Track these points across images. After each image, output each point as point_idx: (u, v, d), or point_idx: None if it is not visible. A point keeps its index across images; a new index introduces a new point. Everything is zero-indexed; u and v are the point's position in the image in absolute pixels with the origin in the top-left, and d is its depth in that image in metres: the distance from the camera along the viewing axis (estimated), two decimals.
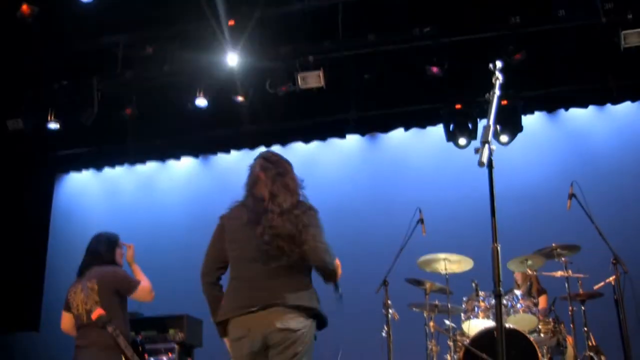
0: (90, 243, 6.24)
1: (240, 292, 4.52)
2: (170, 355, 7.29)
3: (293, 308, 4.35)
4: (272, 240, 4.42)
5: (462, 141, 9.13)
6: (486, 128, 3.57)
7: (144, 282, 6.16)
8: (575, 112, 9.86)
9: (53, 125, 9.78)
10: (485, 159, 3.36)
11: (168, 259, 10.46)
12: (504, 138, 9.10)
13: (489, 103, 3.76)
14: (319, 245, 4.55)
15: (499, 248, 3.37)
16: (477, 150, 3.43)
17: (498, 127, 9.05)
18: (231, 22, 8.64)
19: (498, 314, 3.42)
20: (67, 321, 6.09)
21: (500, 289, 3.48)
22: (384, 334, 7.32)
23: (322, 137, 10.58)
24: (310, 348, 4.41)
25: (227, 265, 4.72)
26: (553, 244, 7.10)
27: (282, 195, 4.64)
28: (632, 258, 7.25)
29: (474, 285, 7.12)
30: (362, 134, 10.45)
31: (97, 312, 5.82)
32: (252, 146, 10.67)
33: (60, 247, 10.99)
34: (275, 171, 4.84)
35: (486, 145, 3.41)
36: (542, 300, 7.78)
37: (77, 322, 5.97)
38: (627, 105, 9.65)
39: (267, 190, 4.68)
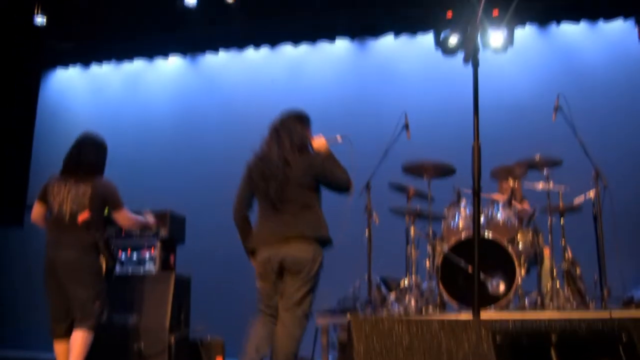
0: (84, 146, 6.25)
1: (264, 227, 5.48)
2: (152, 250, 7.34)
3: (302, 238, 5.26)
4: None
5: (452, 40, 9.00)
6: (472, 28, 3.57)
7: (129, 213, 6.36)
8: (566, 27, 9.81)
9: (39, 19, 9.68)
10: (470, 56, 3.37)
11: (154, 156, 10.52)
12: (495, 45, 9.01)
13: (476, 8, 3.74)
14: None
15: (479, 146, 3.39)
16: (462, 46, 3.45)
17: (488, 35, 8.96)
18: None
19: (476, 209, 3.45)
20: (39, 211, 6.22)
21: (480, 185, 3.51)
22: (364, 237, 7.40)
23: (312, 39, 10.49)
24: (318, 268, 5.32)
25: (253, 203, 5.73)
26: (537, 155, 7.13)
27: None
28: (614, 174, 7.30)
29: (456, 191, 7.18)
30: (352, 37, 10.36)
31: (84, 216, 5.90)
32: (241, 47, 10.60)
33: (45, 143, 10.98)
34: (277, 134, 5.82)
35: (471, 43, 3.41)
36: (525, 204, 7.85)
37: (54, 219, 6.07)
38: (619, 22, 9.61)
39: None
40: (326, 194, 8.95)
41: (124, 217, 6.37)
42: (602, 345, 4.10)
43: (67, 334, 6.01)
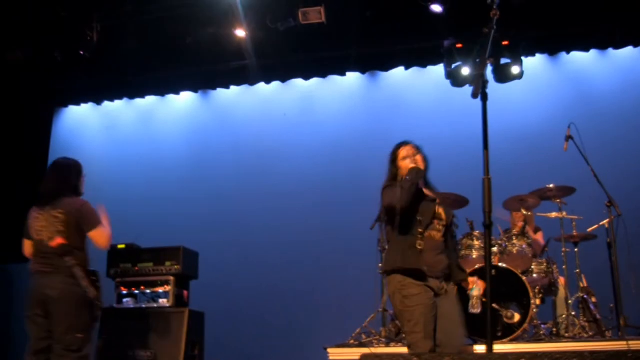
0: (56, 169, 6.19)
1: None
2: (166, 287, 7.35)
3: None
4: None
5: (462, 72, 9.03)
6: (481, 61, 3.57)
7: (107, 229, 6.12)
8: (576, 56, 9.83)
9: (54, 57, 9.77)
10: (479, 90, 3.37)
11: (166, 192, 10.53)
12: (507, 75, 9.03)
13: (486, 39, 3.76)
14: None
15: (490, 180, 3.39)
16: (471, 81, 3.46)
17: (497, 63, 8.99)
18: None
19: (487, 243, 3.45)
20: (28, 247, 6.07)
21: (491, 220, 3.51)
22: (379, 271, 7.39)
23: (322, 74, 10.51)
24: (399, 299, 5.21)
25: None
26: (549, 185, 7.12)
27: None
28: (626, 202, 7.29)
29: (468, 223, 7.17)
30: (363, 71, 10.39)
31: (58, 241, 5.83)
32: (252, 82, 10.65)
33: None
34: None
35: (480, 78, 3.41)
36: (539, 236, 7.83)
37: (37, 248, 5.95)
38: (629, 50, 9.62)
39: None
40: (337, 226, 8.94)
41: (101, 237, 6.05)
42: None
43: None
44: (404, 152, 5.45)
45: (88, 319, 5.93)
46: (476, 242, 7.06)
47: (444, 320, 5.16)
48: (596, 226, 7.23)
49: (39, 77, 10.47)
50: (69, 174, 6.16)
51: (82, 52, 9.57)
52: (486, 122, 3.49)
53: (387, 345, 6.98)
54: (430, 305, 5.11)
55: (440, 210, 5.36)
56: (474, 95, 3.42)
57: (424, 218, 5.27)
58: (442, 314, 5.16)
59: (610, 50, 9.72)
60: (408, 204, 5.17)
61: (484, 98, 3.45)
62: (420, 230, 5.23)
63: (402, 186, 5.17)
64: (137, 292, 7.46)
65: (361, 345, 6.98)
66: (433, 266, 5.20)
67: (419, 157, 5.37)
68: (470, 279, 5.40)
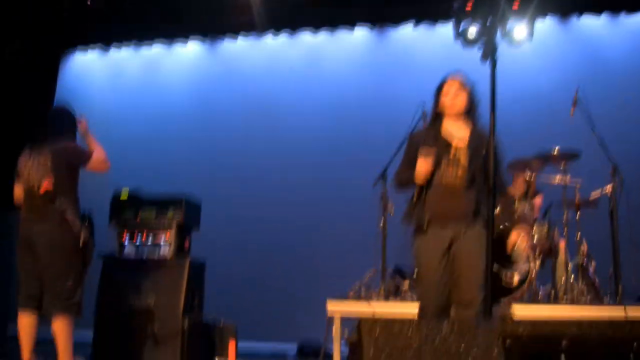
0: (50, 117, 6.16)
1: None
2: (167, 236, 7.37)
3: None
4: None
5: (471, 32, 8.96)
6: (491, 24, 3.56)
7: (98, 152, 6.08)
8: (587, 20, 9.74)
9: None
10: (488, 54, 3.36)
11: (171, 142, 10.54)
12: (515, 38, 8.96)
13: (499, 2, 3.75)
14: None
15: (495, 143, 3.39)
16: (481, 45, 3.44)
17: (508, 28, 8.90)
18: None
19: (490, 207, 3.46)
20: (19, 192, 6.08)
21: (495, 182, 3.52)
22: (379, 228, 7.42)
23: (331, 28, 10.45)
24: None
25: None
26: (555, 148, 7.11)
27: None
28: (631, 169, 7.29)
29: None
30: (371, 25, 10.31)
31: (45, 186, 5.81)
32: (260, 32, 10.58)
33: None
34: None
35: (490, 42, 3.40)
36: (538, 200, 7.83)
37: (27, 193, 5.96)
38: None
39: None
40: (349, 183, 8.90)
41: (98, 164, 6.07)
42: (613, 352, 4.11)
43: (35, 308, 5.88)
44: (446, 87, 5.29)
45: (79, 265, 5.96)
46: None
47: (458, 265, 5.01)
48: (599, 191, 7.22)
49: (45, 22, 10.41)
50: (64, 119, 6.14)
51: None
52: (494, 87, 3.48)
53: (386, 300, 7.02)
54: (435, 253, 4.99)
55: (460, 154, 5.10)
56: (484, 58, 3.42)
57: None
58: (458, 258, 5.00)
59: (622, 15, 9.63)
60: (405, 188, 5.23)
61: (493, 63, 3.44)
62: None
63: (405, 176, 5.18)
64: (138, 241, 7.48)
65: (360, 299, 7.02)
66: (445, 214, 5.02)
67: (459, 97, 5.19)
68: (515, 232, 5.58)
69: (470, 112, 5.22)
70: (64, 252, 5.84)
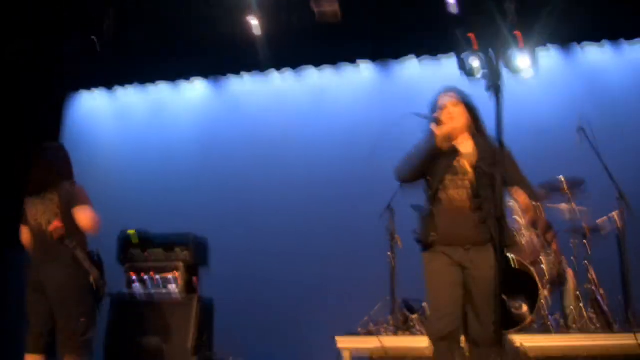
0: (42, 157, 6.13)
1: None
2: (175, 273, 7.38)
3: None
4: None
5: (475, 65, 9.03)
6: (495, 55, 3.60)
7: (92, 211, 6.06)
8: (589, 49, 9.79)
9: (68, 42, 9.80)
10: (492, 85, 3.38)
11: (177, 180, 10.54)
12: (518, 71, 9.03)
13: (501, 33, 3.78)
14: None
15: (502, 175, 3.40)
16: (485, 75, 3.45)
17: (511, 60, 8.98)
18: None
19: (496, 237, 3.47)
20: (26, 234, 6.03)
21: (502, 213, 3.52)
22: (387, 260, 7.42)
23: (334, 63, 10.50)
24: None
25: None
26: (560, 177, 7.13)
27: None
28: (636, 196, 7.29)
29: None
30: (375, 61, 10.36)
31: (55, 225, 5.79)
32: (263, 69, 10.63)
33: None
34: None
35: (494, 71, 3.42)
36: (550, 237, 7.76)
37: (35, 234, 5.92)
38: None
39: None
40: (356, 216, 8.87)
41: (84, 215, 5.90)
42: None
43: (44, 353, 5.81)
44: (440, 101, 5.06)
45: (91, 303, 5.90)
46: None
47: (472, 299, 4.71)
48: (605, 218, 7.23)
49: (52, 63, 10.48)
50: (64, 158, 6.15)
51: (95, 38, 9.60)
52: (501, 117, 3.49)
53: (395, 334, 7.01)
54: (447, 274, 4.73)
55: (463, 163, 4.86)
56: (488, 88, 3.44)
57: (433, 178, 4.89)
58: (471, 291, 4.71)
59: (623, 43, 9.67)
60: (407, 177, 4.99)
61: (498, 92, 3.46)
62: (430, 192, 4.90)
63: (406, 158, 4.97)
64: (146, 277, 7.49)
65: (369, 333, 7.01)
66: (450, 233, 4.76)
67: (452, 112, 4.94)
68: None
69: (472, 126, 5.01)
70: (75, 291, 5.80)
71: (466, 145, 4.93)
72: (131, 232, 7.65)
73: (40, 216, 5.92)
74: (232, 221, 9.96)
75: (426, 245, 4.87)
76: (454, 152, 4.88)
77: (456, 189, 4.80)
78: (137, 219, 7.66)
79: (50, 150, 6.24)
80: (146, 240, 7.64)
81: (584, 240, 7.18)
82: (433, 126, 4.90)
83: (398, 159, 5.26)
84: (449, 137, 4.90)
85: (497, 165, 4.29)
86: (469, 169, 4.81)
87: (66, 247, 5.79)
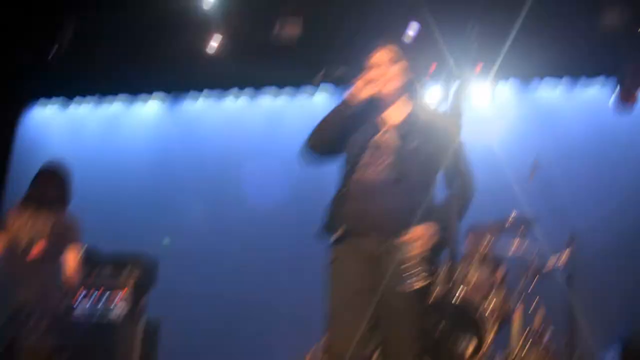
0: (49, 176, 6.05)
1: None
2: (124, 292, 7.30)
3: None
4: None
5: (434, 102, 9.09)
6: (456, 90, 3.60)
7: (77, 260, 5.96)
8: (548, 85, 9.88)
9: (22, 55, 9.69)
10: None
11: (129, 199, 10.43)
12: (475, 102, 9.11)
13: (461, 66, 3.81)
14: None
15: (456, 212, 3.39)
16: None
17: (469, 91, 9.04)
18: None
19: (450, 277, 3.46)
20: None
21: (455, 254, 3.51)
22: None
23: (293, 89, 10.48)
24: None
25: None
26: (511, 215, 7.16)
27: None
28: (587, 236, 7.35)
29: None
30: (332, 89, 10.35)
31: (40, 247, 5.68)
32: (220, 90, 10.60)
33: (21, 181, 10.88)
34: None
35: (455, 107, 3.43)
36: (500, 271, 7.77)
37: (10, 249, 5.81)
38: (599, 82, 9.70)
39: None
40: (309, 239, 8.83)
41: (76, 257, 5.94)
42: None
43: None
44: (374, 59, 4.12)
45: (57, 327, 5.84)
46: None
47: (381, 300, 3.73)
48: (556, 258, 7.27)
49: (4, 75, 10.34)
50: (70, 186, 6.05)
51: (51, 53, 9.50)
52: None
53: None
54: (351, 275, 3.81)
55: (388, 136, 3.98)
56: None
57: (349, 153, 4.02)
58: (383, 290, 3.71)
59: (582, 82, 9.79)
60: (317, 147, 4.18)
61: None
62: (345, 171, 4.04)
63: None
64: (93, 298, 7.38)
65: None
66: (363, 217, 3.84)
67: (387, 70, 4.04)
68: (411, 235, 3.72)
69: (409, 88, 4.13)
70: (46, 313, 5.69)
71: (398, 114, 4.07)
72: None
73: (23, 231, 5.78)
74: (183, 240, 9.88)
75: (333, 237, 3.98)
76: (380, 122, 4.06)
77: (376, 168, 3.89)
78: (88, 235, 7.54)
79: (64, 172, 6.13)
80: (95, 258, 7.54)
81: (534, 278, 7.20)
82: (357, 86, 3.99)
83: None
84: (379, 102, 4.07)
85: (432, 141, 3.85)
86: (394, 144, 3.94)
87: (47, 270, 5.67)
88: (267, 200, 9.91)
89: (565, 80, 9.77)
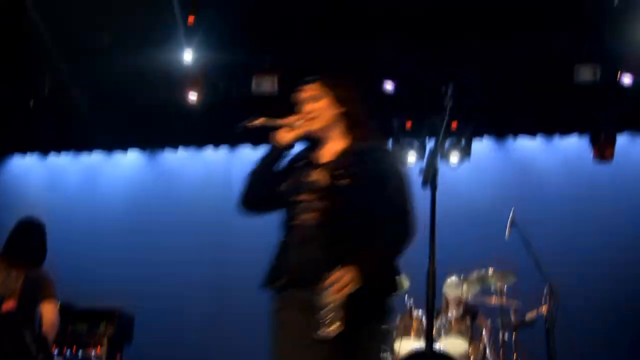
0: (23, 230, 5.99)
1: None
2: (99, 349, 7.20)
3: None
4: None
5: (410, 158, 9.19)
6: (432, 149, 3.58)
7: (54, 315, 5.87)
8: (523, 141, 9.99)
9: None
10: (428, 180, 3.36)
11: (107, 251, 10.35)
12: (452, 159, 9.19)
13: (437, 124, 3.81)
14: None
15: (434, 270, 3.35)
16: (421, 171, 3.42)
17: (446, 148, 9.13)
18: (191, 19, 8.58)
19: (429, 337, 3.44)
20: None
21: (433, 311, 3.48)
22: None
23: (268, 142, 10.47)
24: None
25: None
26: (490, 269, 7.16)
27: None
28: (567, 288, 7.35)
29: (408, 304, 7.14)
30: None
31: (10, 305, 5.58)
32: (200, 145, 10.61)
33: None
34: None
35: (431, 166, 3.41)
36: (481, 320, 7.67)
37: None
38: (574, 137, 9.81)
39: None
40: None
41: (53, 311, 5.71)
42: None
43: None
44: (296, 98, 3.88)
45: None
46: (414, 323, 7.02)
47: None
48: (535, 312, 7.25)
49: None
50: (44, 240, 5.96)
51: (30, 103, 9.50)
52: (434, 212, 3.46)
53: None
54: (291, 327, 3.51)
55: (319, 177, 3.66)
56: (424, 184, 3.40)
57: (284, 200, 3.70)
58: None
59: (557, 137, 9.90)
60: (248, 202, 3.83)
61: (434, 188, 3.43)
62: (284, 220, 3.72)
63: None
64: (68, 353, 7.28)
65: None
66: (298, 266, 3.56)
67: (311, 108, 3.77)
68: (328, 281, 3.35)
69: (348, 120, 3.79)
70: None
71: (329, 152, 3.79)
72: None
73: None
74: (160, 294, 9.80)
75: (273, 289, 3.68)
76: (309, 164, 3.76)
77: (308, 213, 3.57)
78: (63, 289, 7.45)
79: (40, 227, 6.03)
80: (70, 314, 7.45)
81: (513, 333, 7.18)
82: (280, 133, 3.76)
83: None
84: (310, 141, 3.85)
85: (363, 177, 3.58)
86: (325, 185, 3.62)
87: (15, 327, 5.57)
88: (251, 251, 9.88)
89: (538, 136, 9.89)
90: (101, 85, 9.55)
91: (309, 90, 3.80)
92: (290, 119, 3.74)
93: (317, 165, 3.70)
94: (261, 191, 3.77)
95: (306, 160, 3.76)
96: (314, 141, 3.81)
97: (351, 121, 3.75)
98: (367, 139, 3.75)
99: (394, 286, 3.68)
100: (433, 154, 3.50)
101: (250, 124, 3.70)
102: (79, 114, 9.91)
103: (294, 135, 3.73)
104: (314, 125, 3.73)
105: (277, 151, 3.74)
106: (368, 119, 3.81)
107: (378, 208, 3.58)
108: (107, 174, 11.21)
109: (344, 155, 3.69)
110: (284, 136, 3.72)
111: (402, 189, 3.68)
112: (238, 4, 8.50)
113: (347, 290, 3.32)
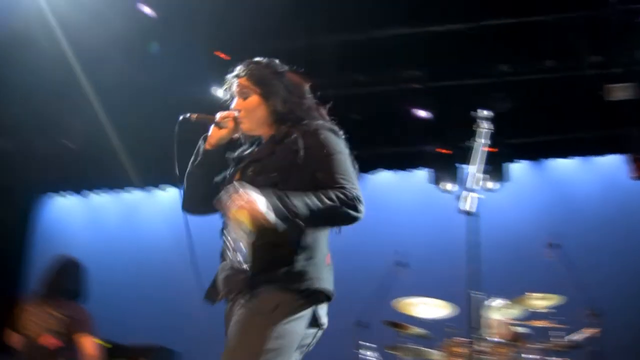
0: (65, 270, 6.07)
1: None
2: None
3: None
4: None
5: (449, 186, 9.17)
6: (472, 175, 3.57)
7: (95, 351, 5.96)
8: (559, 162, 9.92)
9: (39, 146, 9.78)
10: (470, 208, 3.35)
11: (148, 290, 10.36)
12: (489, 184, 9.14)
13: (472, 150, 3.78)
14: None
15: (478, 296, 3.35)
16: (460, 198, 3.41)
17: (483, 174, 9.08)
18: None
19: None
20: (16, 339, 5.88)
21: (476, 336, 3.46)
22: None
23: None
24: None
25: None
26: (532, 293, 7.10)
27: None
28: (613, 310, 7.27)
29: (450, 330, 7.10)
30: None
31: (49, 340, 5.65)
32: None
33: (38, 268, 10.91)
34: None
35: (471, 194, 3.40)
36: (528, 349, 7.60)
37: (26, 345, 5.78)
38: (610, 157, 9.73)
39: None
40: None
41: (92, 345, 5.87)
42: None
43: None
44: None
45: None
46: (457, 350, 6.96)
47: None
48: (580, 335, 7.18)
49: (24, 165, 10.43)
50: (84, 280, 6.07)
51: (67, 143, 9.59)
52: (475, 239, 3.45)
53: None
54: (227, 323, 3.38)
55: (246, 175, 3.37)
56: (468, 214, 3.37)
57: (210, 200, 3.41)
58: None
59: (593, 157, 9.82)
60: (189, 207, 3.66)
61: (473, 214, 3.42)
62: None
63: None
64: None
65: None
66: (220, 277, 3.47)
67: (242, 103, 3.50)
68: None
69: (276, 118, 3.50)
70: None
71: (260, 148, 3.54)
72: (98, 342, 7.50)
73: (37, 326, 5.78)
74: (206, 332, 9.77)
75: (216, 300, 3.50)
76: (238, 161, 3.54)
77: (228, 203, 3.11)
78: (107, 327, 7.50)
79: (78, 264, 6.14)
80: (111, 350, 7.48)
81: (558, 357, 7.10)
82: (212, 131, 3.52)
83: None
84: (238, 140, 3.60)
85: (291, 173, 3.27)
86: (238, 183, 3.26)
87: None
88: None
89: (575, 158, 9.84)
90: (136, 127, 9.62)
91: (238, 86, 3.51)
92: (222, 116, 3.47)
93: (243, 163, 3.46)
94: (196, 193, 3.56)
95: (239, 158, 3.52)
96: (252, 138, 3.58)
97: (280, 116, 3.45)
98: (296, 128, 3.39)
99: (313, 254, 3.36)
100: (471, 180, 3.50)
101: (189, 117, 3.42)
102: (117, 154, 9.98)
103: (222, 134, 3.48)
104: (244, 126, 3.48)
105: (205, 153, 3.50)
106: (308, 108, 3.54)
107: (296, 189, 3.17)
108: (147, 211, 11.32)
109: (270, 151, 3.39)
110: (213, 135, 3.49)
111: (330, 163, 3.39)
112: None
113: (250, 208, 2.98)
